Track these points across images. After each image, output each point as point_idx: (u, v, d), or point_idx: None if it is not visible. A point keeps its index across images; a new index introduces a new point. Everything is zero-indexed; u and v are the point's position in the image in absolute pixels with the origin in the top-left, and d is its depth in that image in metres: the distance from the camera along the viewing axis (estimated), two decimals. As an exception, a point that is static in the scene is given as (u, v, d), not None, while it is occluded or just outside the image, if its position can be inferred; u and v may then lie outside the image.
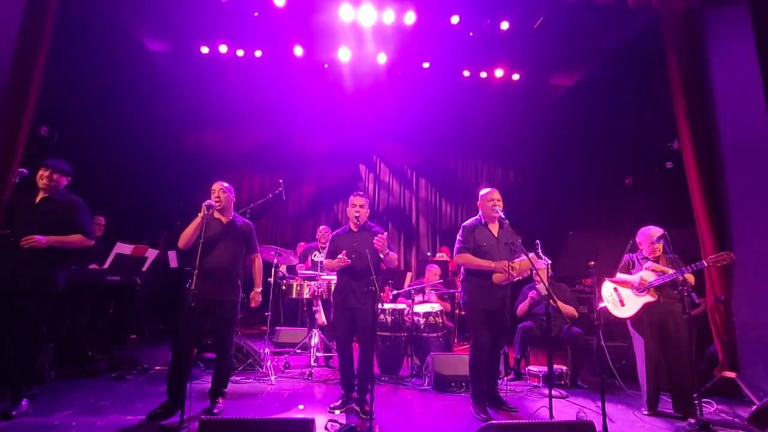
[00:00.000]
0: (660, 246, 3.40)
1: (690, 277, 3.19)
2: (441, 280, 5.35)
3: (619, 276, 3.52)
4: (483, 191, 3.48)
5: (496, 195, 3.39)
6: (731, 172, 4.17)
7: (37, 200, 3.06)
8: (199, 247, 2.86)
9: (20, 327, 2.94)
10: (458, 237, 3.46)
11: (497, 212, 3.30)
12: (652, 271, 3.36)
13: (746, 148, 4.05)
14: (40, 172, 3.06)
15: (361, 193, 3.49)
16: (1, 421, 2.71)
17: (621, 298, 3.46)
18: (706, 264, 3.20)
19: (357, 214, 3.37)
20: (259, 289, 3.45)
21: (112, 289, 4.30)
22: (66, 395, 3.29)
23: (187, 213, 7.54)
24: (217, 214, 3.24)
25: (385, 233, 3.51)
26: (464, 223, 3.50)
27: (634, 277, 3.42)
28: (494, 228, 3.42)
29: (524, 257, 3.16)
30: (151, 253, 4.47)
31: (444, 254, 7.43)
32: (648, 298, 3.31)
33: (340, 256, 3.27)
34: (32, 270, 2.92)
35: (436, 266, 5.43)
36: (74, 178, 5.15)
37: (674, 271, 3.19)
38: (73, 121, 5.37)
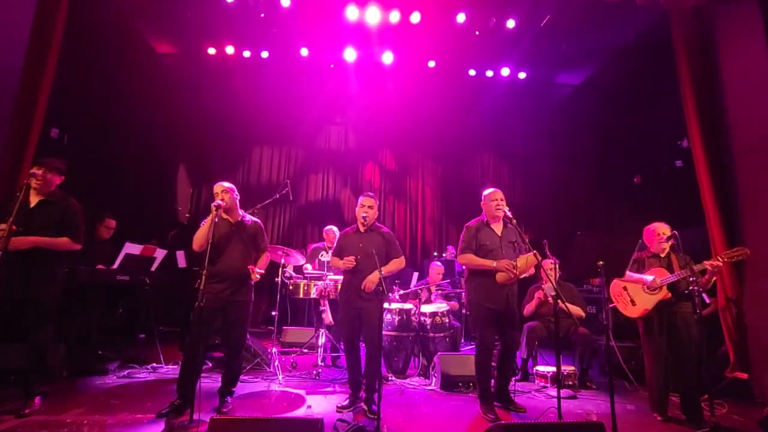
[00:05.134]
0: (668, 244, 3.36)
1: (717, 263, 3.12)
2: (448, 280, 5.34)
3: (630, 275, 3.48)
4: (486, 191, 3.48)
5: (499, 195, 3.39)
6: (742, 170, 4.12)
7: (33, 204, 2.99)
8: (209, 248, 2.88)
9: (22, 330, 2.97)
10: (461, 237, 3.47)
11: (500, 212, 3.30)
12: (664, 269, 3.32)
13: (757, 145, 4.00)
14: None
15: (370, 194, 3.49)
16: (15, 419, 2.75)
17: (631, 297, 3.43)
18: (720, 260, 3.16)
19: (365, 215, 3.38)
20: (258, 269, 3.21)
21: (121, 289, 4.34)
22: (77, 394, 3.34)
23: (196, 213, 7.67)
24: (224, 215, 3.25)
25: (392, 234, 3.52)
26: (467, 224, 3.50)
27: (646, 276, 3.37)
28: (498, 228, 3.42)
29: (528, 254, 3.17)
30: (160, 253, 4.50)
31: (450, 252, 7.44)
32: (662, 296, 3.27)
33: (347, 257, 3.28)
34: (25, 277, 2.91)
35: (439, 265, 5.42)
36: (83, 180, 5.22)
37: (688, 270, 3.15)
38: (83, 122, 5.43)
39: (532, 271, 3.32)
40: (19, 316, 2.96)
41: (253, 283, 3.20)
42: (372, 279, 3.21)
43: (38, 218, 2.97)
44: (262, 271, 3.25)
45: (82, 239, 3.15)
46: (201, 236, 3.09)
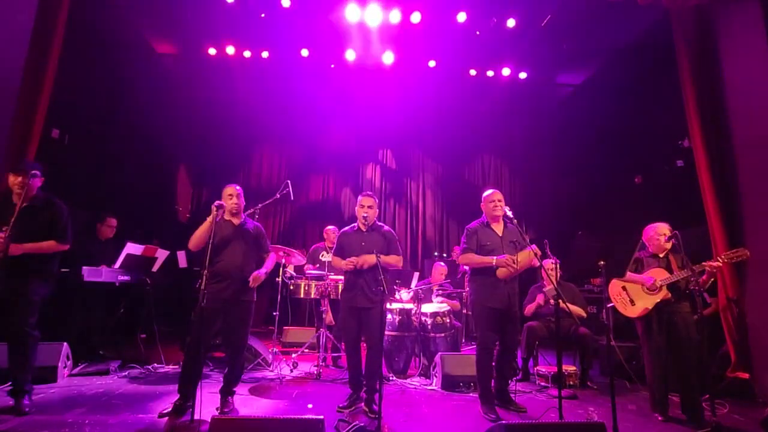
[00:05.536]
0: (668, 245, 3.36)
1: (717, 263, 3.14)
2: (449, 280, 5.33)
3: (630, 275, 3.48)
4: (485, 193, 3.53)
5: (498, 196, 3.43)
6: (743, 169, 4.12)
7: (18, 208, 2.96)
8: (209, 248, 2.87)
9: (8, 331, 2.98)
10: (462, 239, 3.51)
11: (498, 212, 3.35)
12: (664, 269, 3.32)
13: (758, 144, 3.99)
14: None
15: (369, 193, 3.50)
16: (15, 419, 2.75)
17: (631, 297, 3.43)
18: (720, 260, 3.16)
19: (365, 215, 3.37)
20: (263, 270, 3.24)
21: (122, 289, 4.34)
22: (78, 394, 3.34)
23: (196, 213, 7.67)
24: (228, 216, 3.25)
25: (394, 234, 3.52)
26: (468, 226, 3.54)
27: (646, 277, 3.37)
28: (498, 228, 3.45)
29: (526, 249, 3.19)
30: (162, 254, 4.50)
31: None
32: (662, 296, 3.27)
33: (349, 258, 3.28)
34: (17, 278, 2.92)
35: (443, 265, 5.41)
36: (83, 180, 5.22)
37: (688, 270, 3.15)
38: (84, 123, 5.44)
39: (535, 263, 3.29)
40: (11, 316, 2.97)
41: (254, 286, 3.20)
42: (367, 259, 3.22)
43: (25, 224, 2.95)
44: (262, 276, 3.20)
45: (69, 239, 3.15)
46: (198, 235, 3.08)
